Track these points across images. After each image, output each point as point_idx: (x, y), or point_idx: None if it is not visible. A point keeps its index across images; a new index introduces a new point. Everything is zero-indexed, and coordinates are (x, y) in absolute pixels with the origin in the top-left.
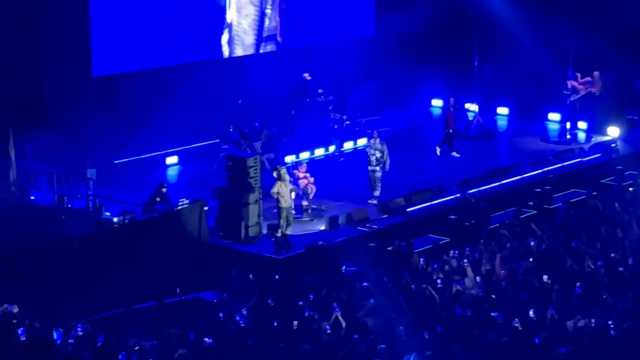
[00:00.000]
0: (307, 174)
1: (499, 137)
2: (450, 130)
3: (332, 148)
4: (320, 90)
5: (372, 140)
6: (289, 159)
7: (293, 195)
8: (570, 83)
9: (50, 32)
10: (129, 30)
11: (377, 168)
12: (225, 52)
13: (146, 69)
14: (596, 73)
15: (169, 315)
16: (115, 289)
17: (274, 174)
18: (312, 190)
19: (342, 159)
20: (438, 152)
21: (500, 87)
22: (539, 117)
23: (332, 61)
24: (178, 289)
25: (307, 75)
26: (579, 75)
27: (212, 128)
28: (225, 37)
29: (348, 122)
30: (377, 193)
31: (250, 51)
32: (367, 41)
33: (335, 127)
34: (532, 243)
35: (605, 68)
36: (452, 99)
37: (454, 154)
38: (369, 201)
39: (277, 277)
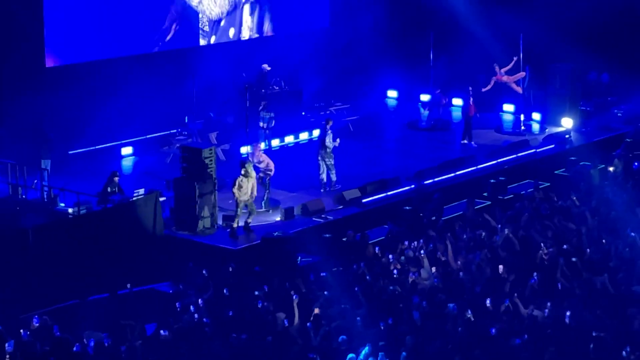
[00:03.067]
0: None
1: (454, 128)
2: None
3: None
4: (276, 87)
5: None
6: (245, 149)
7: (254, 190)
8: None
9: (3, 23)
10: (82, 21)
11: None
12: (181, 43)
13: (101, 59)
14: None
15: (124, 306)
16: (70, 281)
17: (242, 170)
18: (271, 169)
19: None
20: (465, 142)
21: (456, 78)
22: (494, 108)
23: (288, 52)
24: (129, 285)
25: (266, 66)
26: (497, 67)
27: (168, 119)
28: (179, 27)
29: (303, 113)
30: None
31: (208, 41)
32: (322, 32)
33: (264, 126)
34: (484, 234)
35: (559, 60)
36: (438, 91)
37: (472, 143)
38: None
39: (231, 268)
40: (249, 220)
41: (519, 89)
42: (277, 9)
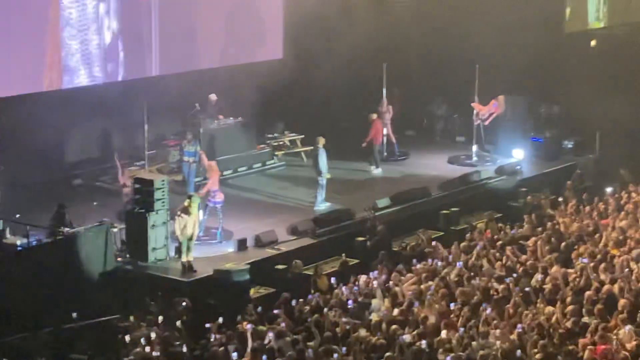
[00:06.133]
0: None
1: (408, 159)
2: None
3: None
4: (220, 116)
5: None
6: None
7: (195, 228)
8: (476, 106)
9: None
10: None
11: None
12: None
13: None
14: (501, 97)
15: (74, 339)
16: (20, 313)
17: (185, 202)
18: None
19: None
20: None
21: (409, 109)
22: (447, 139)
23: (239, 82)
24: (75, 314)
25: (213, 96)
26: (476, 99)
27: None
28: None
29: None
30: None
31: (159, 71)
32: (276, 63)
33: (189, 160)
34: (439, 264)
35: (511, 92)
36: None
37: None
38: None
39: (184, 303)
40: (190, 259)
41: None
42: (231, 41)
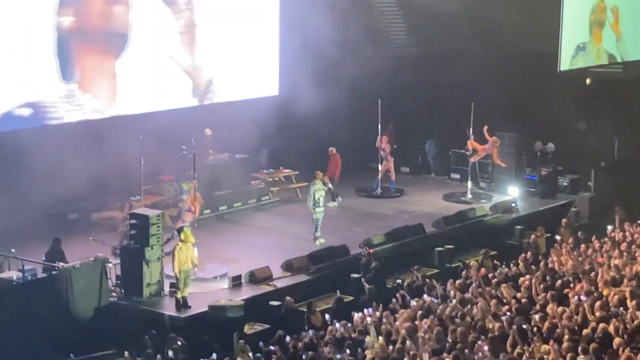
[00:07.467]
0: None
1: (403, 195)
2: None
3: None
4: (210, 151)
5: (316, 181)
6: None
7: (195, 259)
8: (471, 143)
9: None
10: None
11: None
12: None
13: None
14: (493, 138)
15: None
16: (16, 348)
17: (181, 236)
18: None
19: None
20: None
21: (404, 146)
22: (442, 176)
23: (234, 118)
24: (72, 354)
25: (208, 131)
26: (472, 135)
27: (120, 185)
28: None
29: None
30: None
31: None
32: (272, 99)
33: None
34: (432, 301)
35: (506, 130)
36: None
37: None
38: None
39: (179, 342)
40: (186, 294)
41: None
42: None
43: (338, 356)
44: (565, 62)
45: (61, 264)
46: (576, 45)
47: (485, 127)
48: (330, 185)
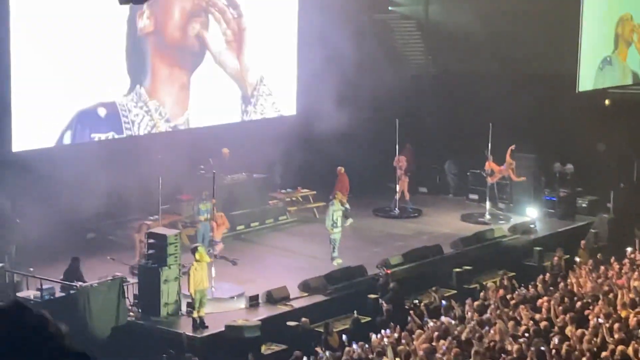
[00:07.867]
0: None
1: (421, 216)
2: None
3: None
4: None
5: (334, 201)
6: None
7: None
8: (489, 164)
9: None
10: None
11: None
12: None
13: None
14: (508, 159)
15: None
16: None
17: (195, 255)
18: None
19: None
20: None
21: (422, 166)
22: (460, 196)
23: (252, 137)
24: None
25: (225, 150)
26: (490, 156)
27: (137, 203)
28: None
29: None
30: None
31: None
32: (290, 118)
33: (203, 218)
34: (452, 322)
35: (525, 151)
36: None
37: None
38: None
39: (195, 357)
40: (202, 314)
41: (512, 175)
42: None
43: None
44: (589, 79)
45: (79, 283)
46: (602, 58)
47: (512, 147)
48: (347, 206)
